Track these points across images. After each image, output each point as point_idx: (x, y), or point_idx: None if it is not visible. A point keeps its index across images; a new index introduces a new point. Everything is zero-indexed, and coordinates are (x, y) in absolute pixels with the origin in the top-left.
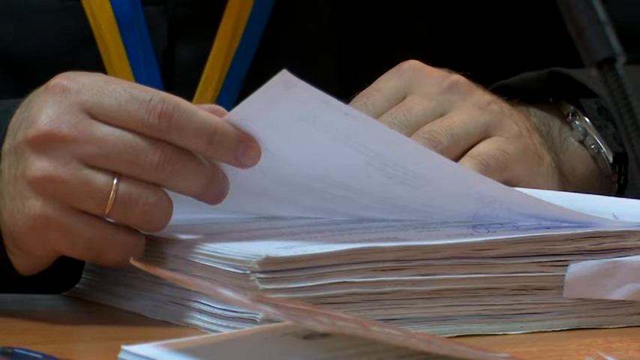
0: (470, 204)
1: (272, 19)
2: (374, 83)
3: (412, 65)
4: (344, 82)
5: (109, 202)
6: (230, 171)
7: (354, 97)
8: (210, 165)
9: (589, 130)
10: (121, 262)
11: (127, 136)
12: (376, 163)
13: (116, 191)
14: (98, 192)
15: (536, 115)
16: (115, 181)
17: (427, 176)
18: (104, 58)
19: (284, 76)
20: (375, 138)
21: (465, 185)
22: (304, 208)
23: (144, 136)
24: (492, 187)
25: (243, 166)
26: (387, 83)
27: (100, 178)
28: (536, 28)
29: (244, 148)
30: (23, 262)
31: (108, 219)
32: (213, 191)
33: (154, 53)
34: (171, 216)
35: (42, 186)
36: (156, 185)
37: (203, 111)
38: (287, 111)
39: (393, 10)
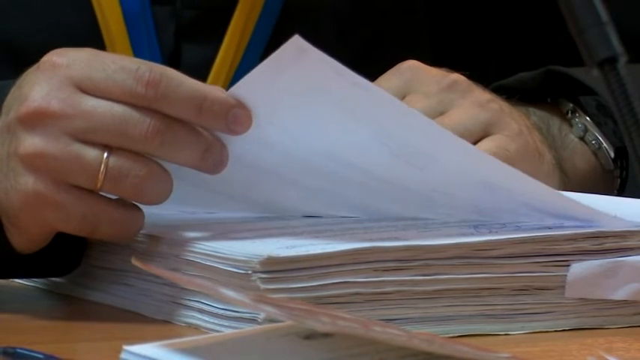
0: (475, 191)
1: (279, 24)
2: (373, 83)
3: (411, 65)
4: None
5: (100, 176)
6: (237, 148)
7: None
8: (207, 135)
9: (589, 127)
10: (118, 238)
11: (116, 108)
12: (382, 138)
13: (106, 165)
14: (89, 166)
15: (536, 113)
16: (105, 155)
17: (432, 154)
18: None
19: (297, 41)
20: (382, 110)
21: (472, 164)
22: (309, 189)
23: (133, 106)
24: (498, 169)
25: (234, 133)
26: (387, 83)
27: (90, 153)
28: (536, 28)
29: (234, 114)
30: (20, 240)
31: (103, 193)
32: (209, 161)
33: (160, 53)
34: (169, 189)
35: (33, 162)
36: (147, 157)
37: (192, 79)
38: (296, 79)
39: (394, 21)
